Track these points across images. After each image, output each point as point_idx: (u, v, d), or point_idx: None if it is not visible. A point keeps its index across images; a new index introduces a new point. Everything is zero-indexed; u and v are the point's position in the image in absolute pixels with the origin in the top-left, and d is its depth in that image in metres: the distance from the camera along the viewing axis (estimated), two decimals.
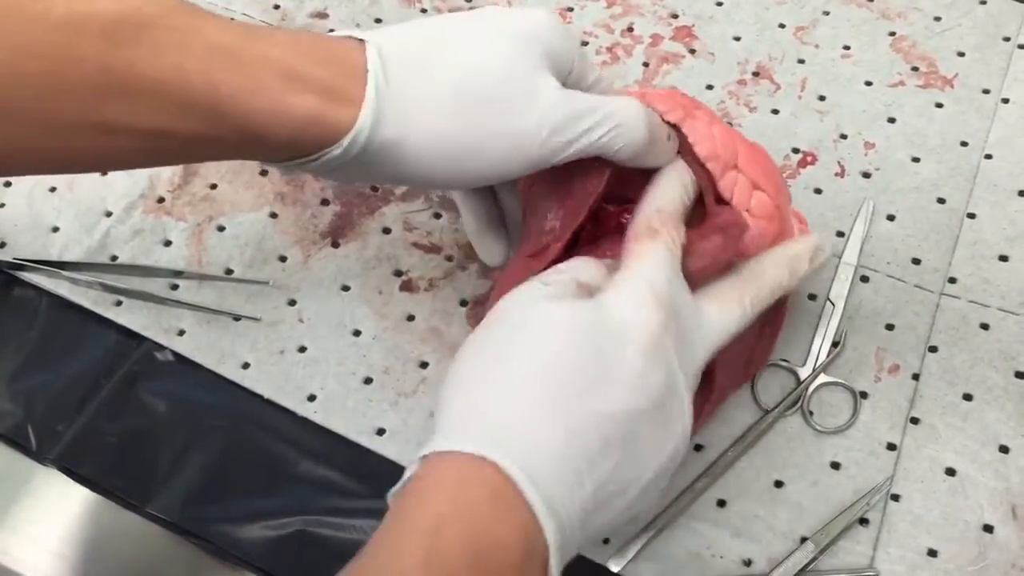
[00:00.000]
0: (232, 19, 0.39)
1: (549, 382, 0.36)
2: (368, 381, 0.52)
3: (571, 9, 0.65)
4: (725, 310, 0.41)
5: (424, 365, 0.53)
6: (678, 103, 0.44)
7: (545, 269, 0.43)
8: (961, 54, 0.61)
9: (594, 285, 0.40)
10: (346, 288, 0.55)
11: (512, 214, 0.49)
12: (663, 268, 0.39)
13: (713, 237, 0.42)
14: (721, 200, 0.43)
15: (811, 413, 0.50)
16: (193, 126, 0.38)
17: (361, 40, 0.40)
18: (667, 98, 0.44)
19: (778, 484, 0.48)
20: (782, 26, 0.63)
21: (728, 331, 0.41)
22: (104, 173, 0.59)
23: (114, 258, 0.56)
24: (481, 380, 0.37)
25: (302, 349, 0.53)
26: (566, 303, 0.38)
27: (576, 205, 0.43)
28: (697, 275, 0.41)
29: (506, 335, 0.38)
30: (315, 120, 0.39)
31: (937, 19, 0.62)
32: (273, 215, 0.58)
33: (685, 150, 0.44)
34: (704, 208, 0.44)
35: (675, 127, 0.44)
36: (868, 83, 0.60)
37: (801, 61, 0.62)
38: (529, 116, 0.40)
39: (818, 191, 0.57)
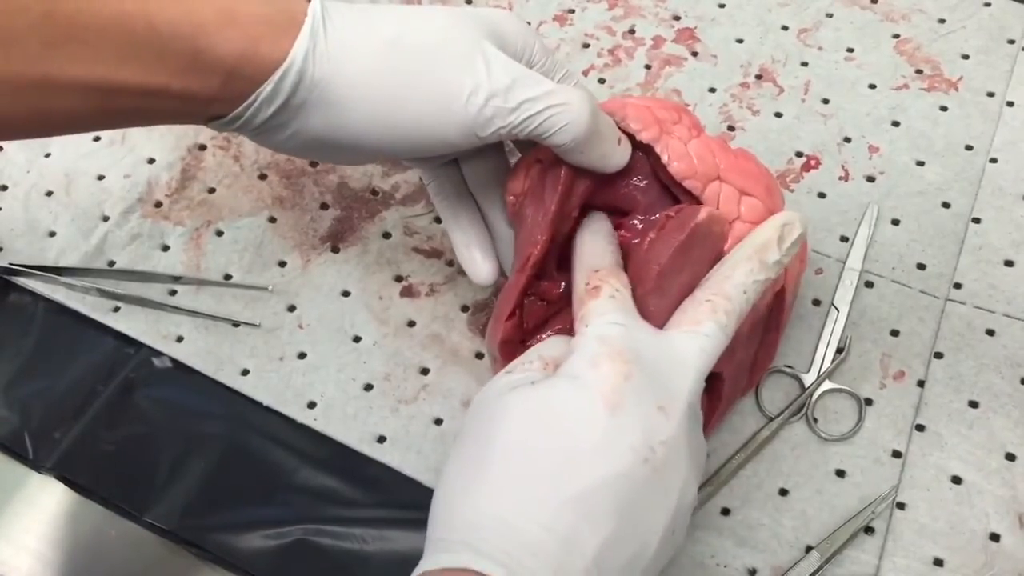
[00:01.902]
0: None
1: (517, 475, 0.35)
2: (368, 388, 0.52)
3: (572, 11, 0.64)
4: (697, 332, 0.39)
5: (425, 371, 0.52)
6: (653, 119, 0.43)
7: (531, 277, 0.43)
8: (966, 56, 0.61)
9: (560, 358, 0.39)
10: (346, 293, 0.55)
11: (503, 237, 0.48)
12: (610, 318, 0.38)
13: (670, 234, 0.41)
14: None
15: (816, 420, 0.49)
16: (136, 75, 0.38)
17: None
18: (643, 113, 0.43)
19: (783, 492, 0.48)
20: (785, 28, 0.63)
21: (708, 352, 0.38)
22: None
23: (111, 263, 0.56)
24: (458, 489, 0.36)
25: (302, 355, 0.53)
26: (520, 390, 0.37)
27: (546, 207, 0.43)
28: (663, 282, 0.40)
29: (474, 437, 0.37)
30: (251, 52, 0.38)
31: (941, 21, 0.62)
32: (272, 219, 0.57)
33: (661, 171, 0.43)
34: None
35: (648, 148, 0.43)
36: (872, 86, 0.60)
37: (804, 64, 0.61)
38: (464, 73, 0.40)
39: (822, 195, 0.56)
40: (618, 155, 0.43)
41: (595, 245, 0.42)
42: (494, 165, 0.47)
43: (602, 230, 0.44)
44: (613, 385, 0.36)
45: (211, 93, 0.39)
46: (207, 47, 0.38)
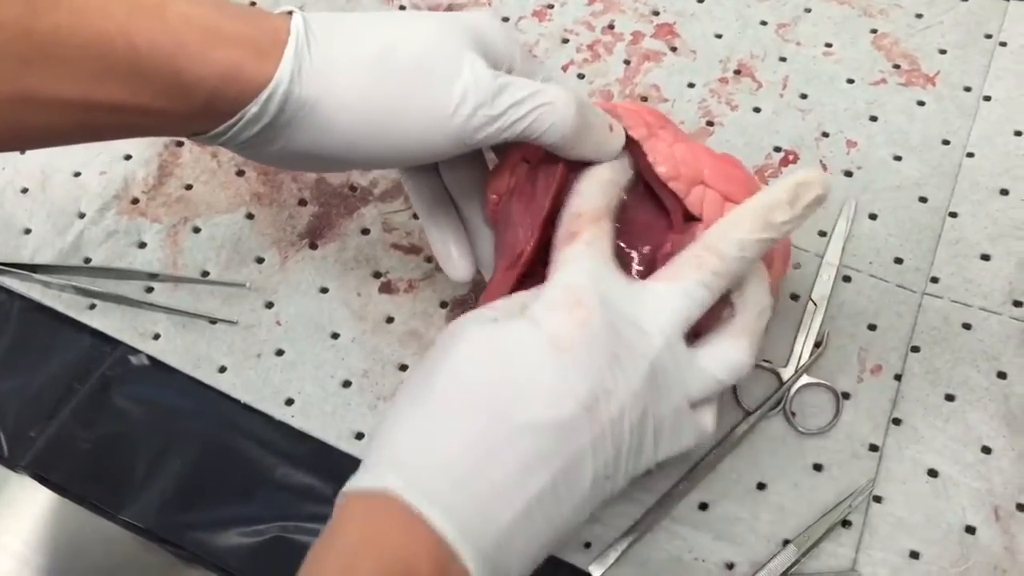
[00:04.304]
0: None
1: (461, 406, 0.35)
2: (347, 384, 0.52)
3: (551, 6, 0.64)
4: (675, 287, 0.38)
5: (403, 368, 0.52)
6: (643, 120, 0.43)
7: (521, 275, 0.43)
8: (943, 51, 0.61)
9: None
10: (324, 290, 0.54)
11: (480, 236, 0.48)
12: (581, 266, 0.38)
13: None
14: (691, 218, 0.43)
15: (793, 414, 0.50)
16: (115, 93, 0.37)
17: (290, 12, 0.40)
18: (633, 114, 0.44)
19: (760, 486, 0.48)
20: (764, 23, 0.63)
21: (684, 309, 0.37)
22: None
23: (88, 260, 0.55)
24: (398, 413, 0.36)
25: (279, 352, 0.53)
26: (485, 324, 0.37)
27: (538, 206, 0.43)
28: None
29: (424, 367, 0.37)
30: (234, 74, 0.38)
31: (919, 16, 0.62)
32: (250, 216, 0.57)
33: (646, 171, 0.43)
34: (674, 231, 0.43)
35: (636, 145, 0.43)
36: (850, 81, 0.60)
37: (783, 59, 0.61)
38: (452, 86, 0.39)
39: None
40: (613, 141, 0.42)
41: (586, 189, 0.41)
42: (474, 167, 0.47)
43: (601, 175, 0.42)
44: (564, 329, 0.35)
45: (193, 112, 0.39)
46: (189, 68, 0.38)
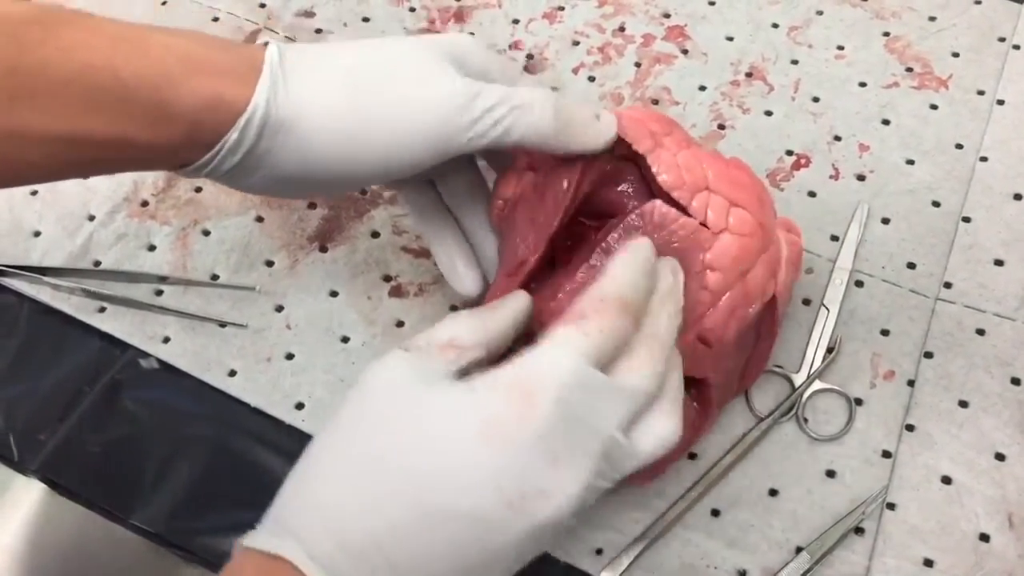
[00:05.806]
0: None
1: (368, 478, 0.33)
2: None
3: (562, 8, 0.64)
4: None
5: None
6: (647, 131, 0.43)
7: (523, 284, 0.43)
8: (956, 55, 0.60)
9: (468, 346, 0.36)
10: (334, 294, 0.54)
11: (484, 248, 0.48)
12: (560, 359, 0.34)
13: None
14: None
15: (806, 420, 0.49)
16: (101, 127, 0.38)
17: (266, 43, 0.41)
18: (637, 124, 0.43)
19: (772, 493, 0.48)
20: (775, 26, 0.62)
21: (632, 406, 0.35)
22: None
23: (97, 263, 0.55)
24: (310, 471, 0.35)
25: (289, 356, 0.52)
26: (414, 385, 0.34)
27: (547, 219, 0.43)
28: None
29: (349, 412, 0.35)
30: (215, 102, 0.39)
31: (932, 19, 0.62)
32: (259, 219, 0.57)
33: (652, 182, 0.43)
34: None
35: (641, 158, 0.43)
36: (862, 84, 0.60)
37: (795, 62, 0.61)
38: (426, 94, 0.40)
39: (812, 194, 0.56)
40: (603, 130, 0.42)
41: (625, 272, 0.37)
42: (469, 178, 0.47)
43: (645, 264, 0.38)
44: (501, 421, 0.33)
45: (177, 143, 0.39)
46: (172, 98, 0.38)
